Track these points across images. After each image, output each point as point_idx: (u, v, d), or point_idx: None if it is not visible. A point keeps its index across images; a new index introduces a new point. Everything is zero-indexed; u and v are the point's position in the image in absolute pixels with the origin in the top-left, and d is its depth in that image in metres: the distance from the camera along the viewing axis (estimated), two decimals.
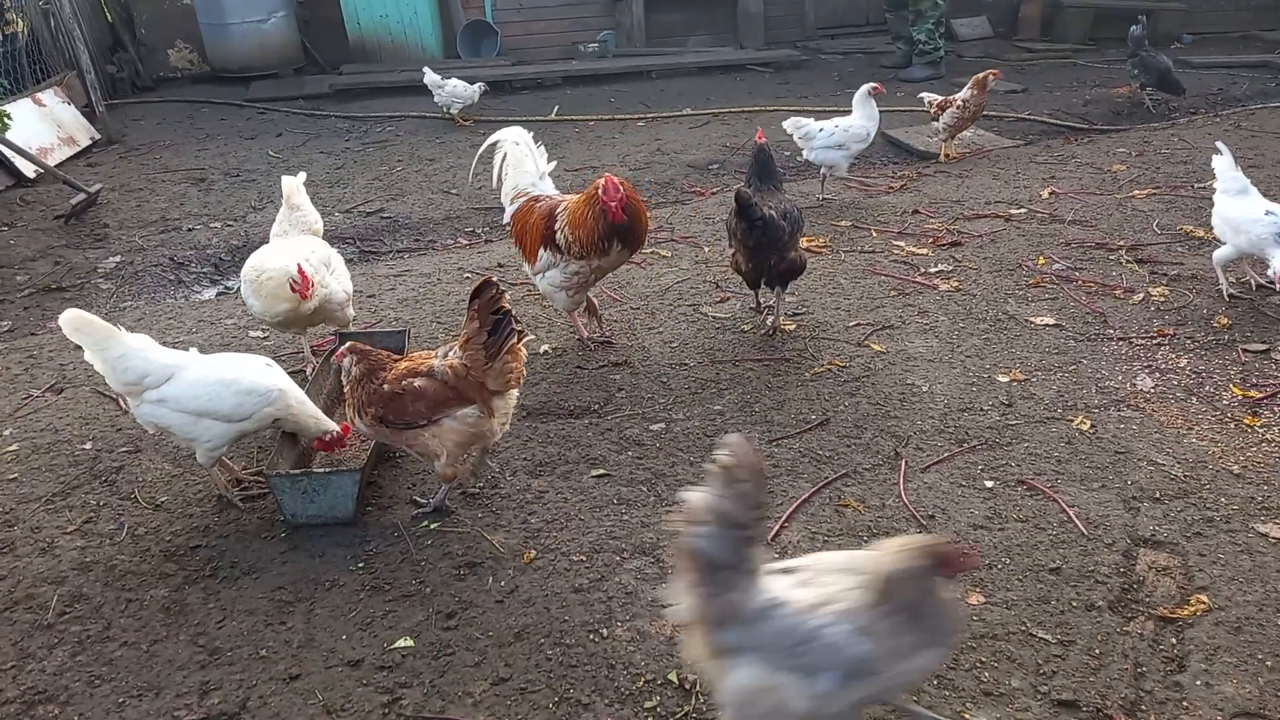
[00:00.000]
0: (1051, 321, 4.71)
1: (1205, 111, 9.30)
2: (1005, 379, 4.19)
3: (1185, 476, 3.45)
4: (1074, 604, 2.86)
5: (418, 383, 3.17)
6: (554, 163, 4.86)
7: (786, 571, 2.20)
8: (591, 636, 2.82)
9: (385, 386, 3.18)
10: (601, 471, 3.65)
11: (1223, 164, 4.86)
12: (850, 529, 3.26)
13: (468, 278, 5.61)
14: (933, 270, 5.41)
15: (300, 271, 3.91)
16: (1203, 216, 6.00)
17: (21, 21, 9.44)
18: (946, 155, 7.80)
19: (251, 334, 4.97)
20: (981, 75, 7.28)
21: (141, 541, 3.33)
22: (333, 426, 3.50)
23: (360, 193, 7.55)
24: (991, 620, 2.82)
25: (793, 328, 4.78)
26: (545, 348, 4.65)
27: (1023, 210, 6.33)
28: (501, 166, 4.79)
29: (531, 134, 4.84)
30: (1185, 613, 2.81)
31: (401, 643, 2.82)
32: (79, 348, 3.30)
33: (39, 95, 8.70)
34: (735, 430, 3.88)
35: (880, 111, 6.89)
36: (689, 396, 4.17)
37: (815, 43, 12.84)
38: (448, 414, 3.17)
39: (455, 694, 2.64)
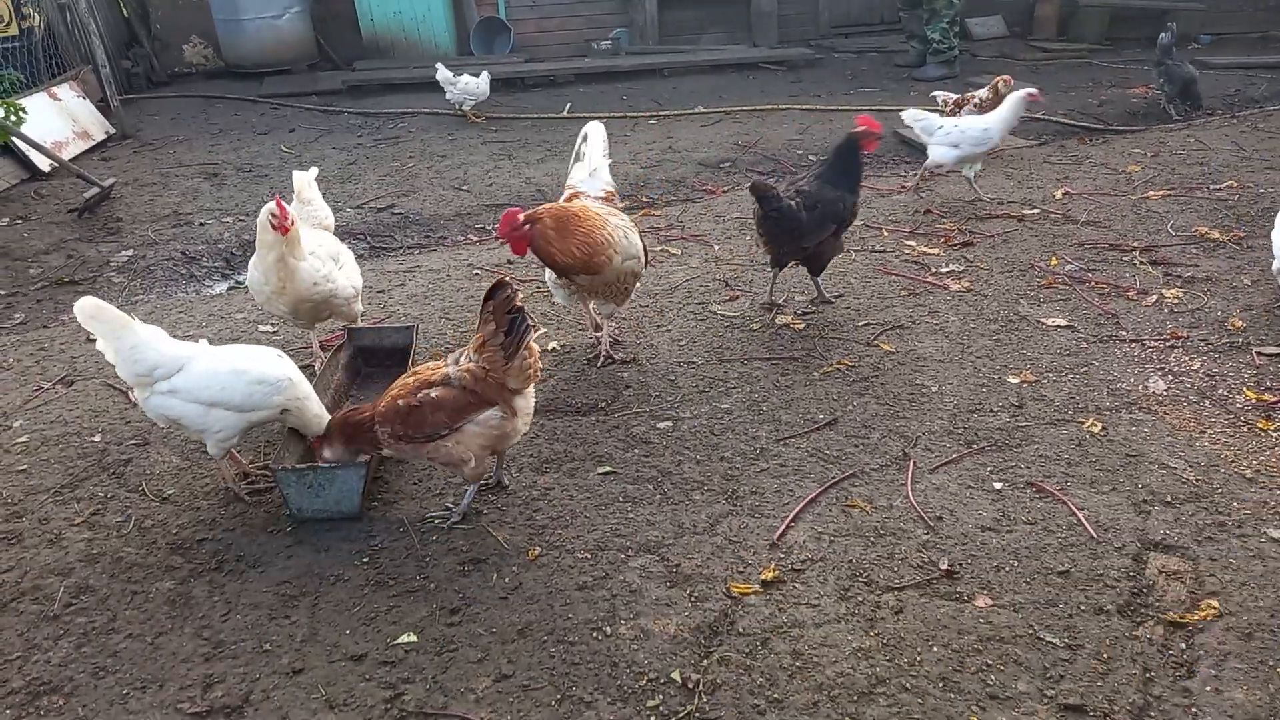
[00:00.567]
0: (1063, 323, 4.67)
1: (1222, 113, 9.21)
2: (1016, 380, 4.16)
3: (1197, 480, 3.41)
4: (1082, 608, 2.83)
5: (434, 393, 3.13)
6: (609, 159, 4.68)
7: None
8: (595, 634, 2.81)
9: (401, 401, 3.16)
10: (608, 469, 3.63)
11: None
12: (857, 529, 3.24)
13: (477, 274, 5.61)
14: (944, 270, 5.38)
15: (278, 203, 3.90)
16: (1219, 218, 5.98)
17: (38, 16, 9.49)
18: None
19: (261, 328, 4.99)
20: (1002, 79, 7.11)
21: (148, 534, 3.34)
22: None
23: (371, 188, 7.56)
24: (998, 623, 2.79)
25: (802, 326, 4.76)
26: (553, 344, 4.64)
27: (1036, 210, 6.29)
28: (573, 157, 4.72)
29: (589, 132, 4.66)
30: (1195, 618, 2.77)
31: (405, 638, 2.81)
32: (90, 340, 3.31)
33: (54, 89, 8.75)
34: (743, 429, 3.87)
35: (894, 110, 6.83)
36: (696, 395, 4.16)
37: (829, 41, 12.81)
38: (470, 420, 3.15)
39: (458, 690, 2.63)
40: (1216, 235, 5.67)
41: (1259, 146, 7.57)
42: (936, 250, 5.70)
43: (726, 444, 3.78)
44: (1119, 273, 5.23)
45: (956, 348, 4.48)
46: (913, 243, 5.82)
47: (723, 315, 4.93)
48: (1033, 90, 6.34)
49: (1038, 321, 4.70)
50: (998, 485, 3.44)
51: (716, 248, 5.91)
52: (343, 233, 6.35)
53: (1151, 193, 6.55)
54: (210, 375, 3.28)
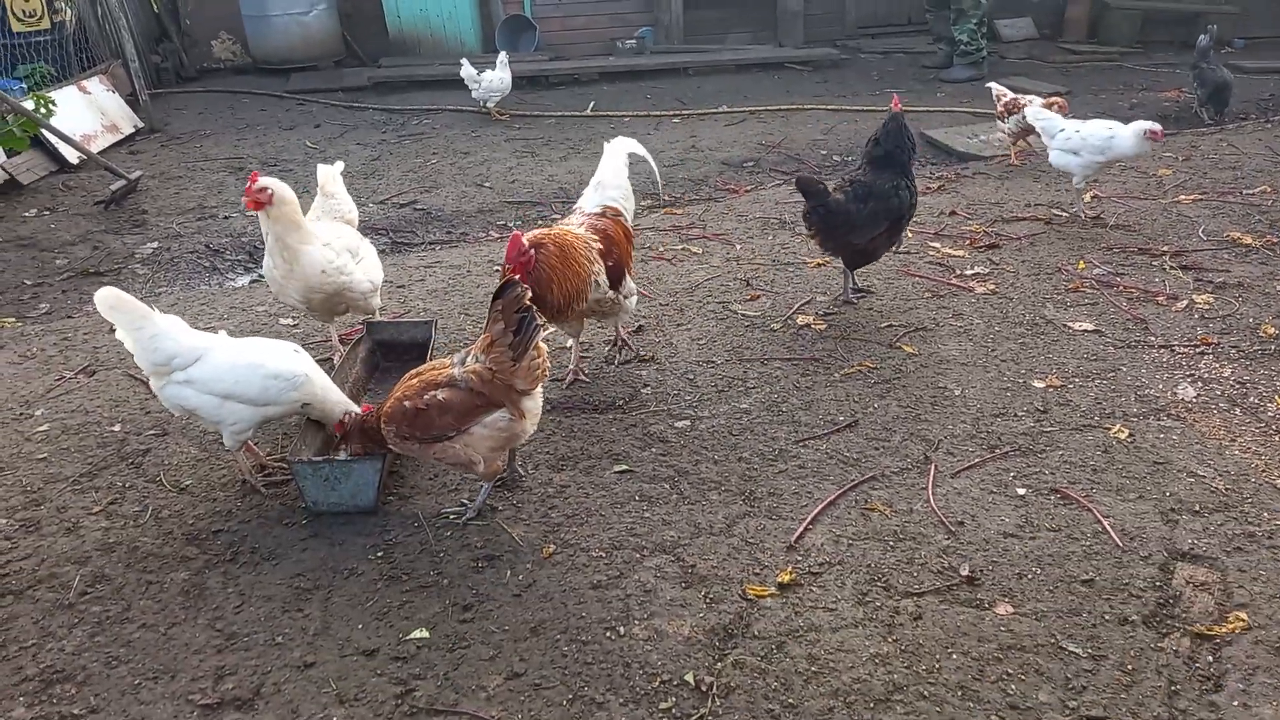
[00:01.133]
0: (1090, 327, 4.59)
1: (1255, 117, 9.06)
2: (1041, 385, 4.09)
3: (1226, 489, 3.33)
4: (1106, 617, 2.77)
5: (441, 395, 3.09)
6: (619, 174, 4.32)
7: None
8: (608, 634, 2.78)
9: (407, 403, 3.14)
10: (624, 468, 3.60)
11: None
12: (876, 533, 3.19)
13: (497, 270, 5.59)
14: (969, 272, 5.31)
15: (252, 175, 3.87)
16: (1251, 223, 5.86)
17: (70, 10, 9.58)
18: (1012, 161, 7.51)
19: (282, 321, 4.99)
20: (1057, 101, 6.77)
21: (165, 524, 3.34)
22: (354, 408, 3.47)
23: (395, 184, 7.57)
24: (1020, 632, 2.73)
25: (823, 327, 4.70)
26: (571, 342, 4.61)
27: (1064, 213, 6.20)
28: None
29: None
30: (1223, 630, 2.71)
31: (417, 634, 2.80)
32: (112, 331, 3.31)
33: (84, 83, 8.83)
34: (762, 430, 3.82)
35: (921, 112, 6.72)
36: (715, 394, 4.12)
37: (855, 42, 12.71)
38: (477, 421, 3.12)
39: (469, 687, 2.61)
40: (1249, 240, 5.56)
41: None
42: (961, 252, 5.62)
43: (745, 444, 3.74)
44: (1148, 277, 5.14)
45: (981, 351, 4.41)
46: (937, 244, 5.75)
47: (743, 315, 4.88)
48: (1154, 128, 5.64)
49: (1064, 326, 4.62)
50: (1021, 491, 3.38)
51: (738, 247, 5.86)
52: (365, 228, 6.35)
53: (1183, 197, 6.44)
54: (226, 368, 3.28)
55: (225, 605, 2.94)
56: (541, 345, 3.13)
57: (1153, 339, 4.46)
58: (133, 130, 9.03)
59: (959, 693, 2.54)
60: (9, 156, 7.31)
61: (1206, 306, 4.75)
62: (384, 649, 2.75)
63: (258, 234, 6.53)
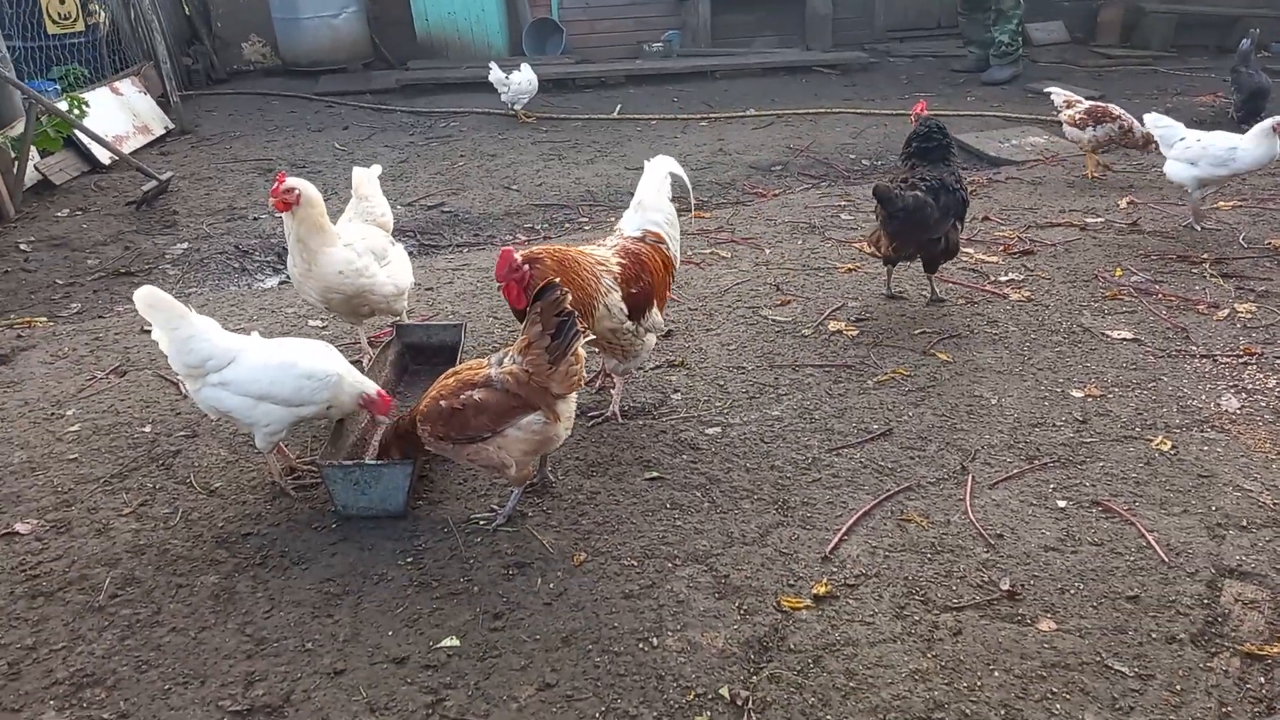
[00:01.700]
0: (1129, 336, 4.50)
1: None
2: (1079, 394, 4.01)
3: (1275, 504, 3.24)
4: (1153, 635, 2.70)
5: (477, 395, 3.07)
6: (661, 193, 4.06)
7: None
8: (641, 645, 2.73)
9: (443, 403, 3.11)
10: (655, 474, 3.56)
11: None
12: (913, 544, 3.12)
13: None
14: (1003, 279, 5.23)
15: (278, 177, 3.87)
16: None
17: (103, 12, 9.68)
18: (1093, 175, 7.02)
19: (311, 323, 4.99)
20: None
21: (195, 527, 3.33)
22: (373, 388, 3.42)
23: (422, 186, 7.58)
24: (1064, 649, 2.66)
25: (855, 333, 4.64)
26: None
27: (1100, 219, 6.10)
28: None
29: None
30: (1275, 650, 2.62)
31: (447, 642, 2.76)
32: (145, 331, 3.32)
33: (117, 84, 8.91)
34: (794, 437, 3.77)
35: (951, 116, 6.61)
36: (746, 401, 4.07)
37: (884, 45, 12.62)
38: (512, 423, 3.09)
39: (500, 698, 2.57)
40: None
41: None
42: (995, 258, 5.54)
43: (777, 452, 3.68)
44: (1188, 285, 5.04)
45: (1017, 359, 4.33)
46: (970, 250, 5.66)
47: (773, 320, 4.83)
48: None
49: (1102, 334, 4.53)
50: (1061, 503, 3.31)
51: (767, 251, 5.81)
52: (394, 230, 6.36)
53: (1222, 203, 6.32)
54: (261, 368, 3.27)
55: (255, 610, 2.92)
56: (580, 351, 3.10)
57: (1194, 348, 4.37)
58: (164, 131, 9.11)
59: (1002, 712, 2.47)
60: (43, 157, 7.38)
61: (1249, 315, 4.65)
62: (414, 657, 2.72)
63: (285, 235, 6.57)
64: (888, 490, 3.41)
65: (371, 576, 3.05)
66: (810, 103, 9.99)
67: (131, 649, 2.78)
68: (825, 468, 3.57)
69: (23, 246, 6.31)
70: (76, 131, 7.47)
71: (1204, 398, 3.95)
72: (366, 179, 4.79)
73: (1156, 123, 5.87)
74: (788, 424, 3.88)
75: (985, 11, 10.78)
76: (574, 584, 2.99)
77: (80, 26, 9.28)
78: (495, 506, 3.36)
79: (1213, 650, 2.65)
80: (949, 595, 2.89)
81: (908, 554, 3.08)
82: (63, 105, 7.46)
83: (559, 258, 3.51)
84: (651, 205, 3.98)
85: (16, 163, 6.86)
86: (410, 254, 6.25)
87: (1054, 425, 3.79)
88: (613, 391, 4.05)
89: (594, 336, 3.59)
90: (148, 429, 3.97)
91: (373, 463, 3.31)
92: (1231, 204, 6.28)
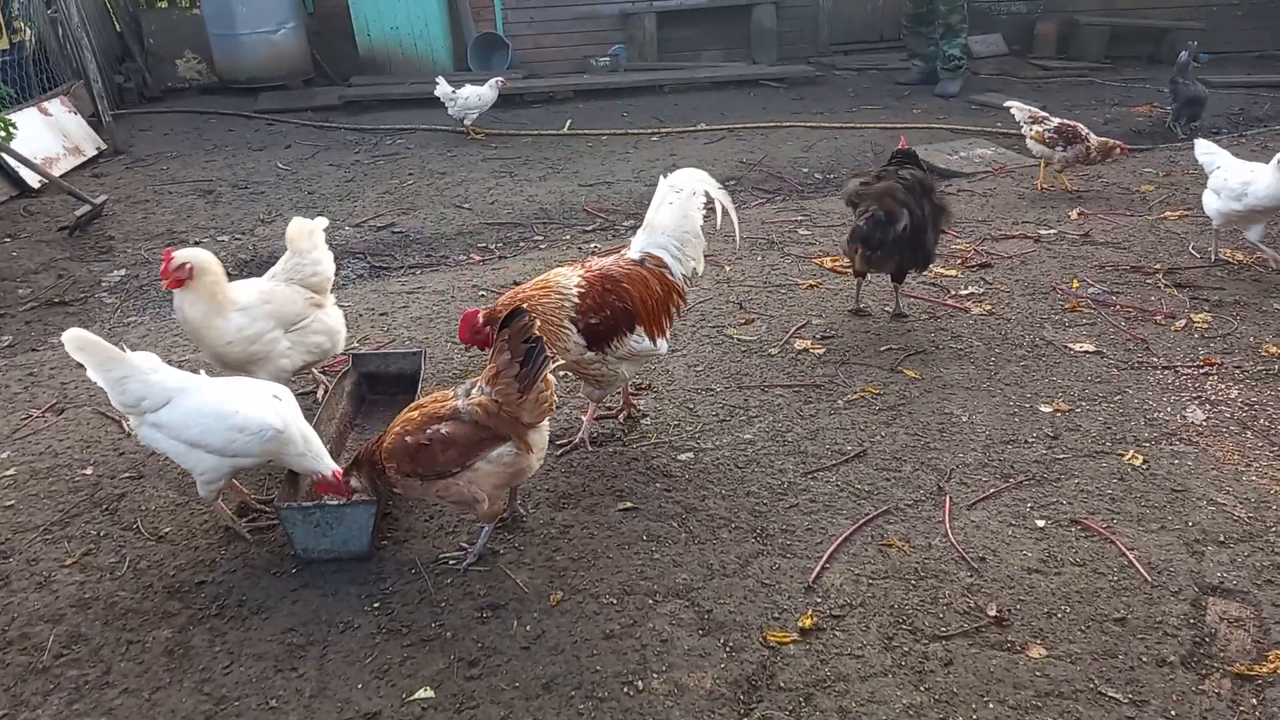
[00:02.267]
0: (1091, 348, 4.52)
1: (1229, 132, 9.14)
2: (1048, 409, 4.01)
3: (1249, 518, 3.25)
4: (1144, 659, 2.67)
5: (444, 429, 2.94)
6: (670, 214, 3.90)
7: None
8: (625, 689, 2.62)
9: (409, 439, 2.97)
10: (629, 504, 3.46)
11: None
12: (896, 570, 3.07)
13: (483, 295, 5.43)
14: (964, 293, 5.24)
15: (165, 254, 3.54)
16: (1239, 240, 5.84)
17: (29, 30, 9.31)
18: (1042, 185, 7.13)
19: None
20: (1119, 146, 6.68)
21: (144, 576, 3.14)
22: (328, 468, 3.17)
23: (370, 206, 7.39)
24: (1056, 676, 2.62)
25: (821, 351, 4.60)
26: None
27: (1053, 231, 6.16)
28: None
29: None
30: (1263, 670, 2.61)
31: (421, 693, 2.62)
32: (81, 366, 3.12)
33: (45, 104, 8.56)
34: (768, 461, 3.70)
35: (898, 128, 6.66)
36: (717, 424, 3.99)
37: (829, 58, 12.72)
38: (482, 456, 2.97)
39: None
40: (1240, 257, 5.55)
41: None
42: (954, 271, 5.56)
43: (752, 477, 3.61)
44: (1144, 296, 5.10)
45: (984, 374, 4.33)
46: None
47: (739, 339, 4.77)
48: None
49: (1065, 347, 4.55)
50: (1040, 522, 3.28)
51: (728, 269, 5.75)
52: (341, 251, 6.18)
53: (1168, 213, 6.44)
54: (195, 414, 3.06)
55: (213, 665, 2.75)
56: (550, 377, 2.99)
57: (1155, 359, 4.40)
58: (96, 152, 8.77)
59: None
60: None
61: (1205, 325, 4.71)
62: (386, 711, 2.58)
63: (229, 260, 6.35)
64: (866, 514, 3.36)
65: (337, 624, 2.90)
66: (759, 116, 10.00)
67: (80, 713, 2.59)
68: (801, 492, 3.51)
69: None
70: (3, 154, 7.13)
71: (1169, 410, 3.98)
72: (307, 233, 4.03)
73: (1205, 150, 5.47)
74: (760, 447, 3.81)
75: (930, 25, 10.93)
76: (552, 625, 2.87)
77: (4, 44, 8.91)
78: (465, 545, 3.23)
79: (1203, 672, 2.62)
80: (937, 623, 2.83)
81: (891, 581, 3.03)
82: None
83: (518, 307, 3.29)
84: (659, 227, 3.81)
85: None
86: (360, 277, 6.10)
87: (1026, 442, 3.78)
88: (584, 418, 3.94)
89: (561, 361, 3.51)
90: (89, 471, 3.75)
91: (334, 503, 3.15)
92: (1178, 214, 6.40)
